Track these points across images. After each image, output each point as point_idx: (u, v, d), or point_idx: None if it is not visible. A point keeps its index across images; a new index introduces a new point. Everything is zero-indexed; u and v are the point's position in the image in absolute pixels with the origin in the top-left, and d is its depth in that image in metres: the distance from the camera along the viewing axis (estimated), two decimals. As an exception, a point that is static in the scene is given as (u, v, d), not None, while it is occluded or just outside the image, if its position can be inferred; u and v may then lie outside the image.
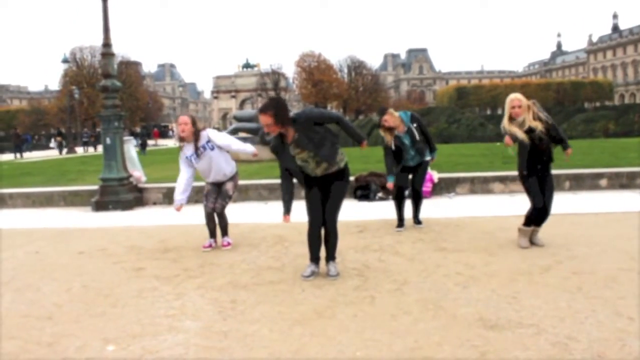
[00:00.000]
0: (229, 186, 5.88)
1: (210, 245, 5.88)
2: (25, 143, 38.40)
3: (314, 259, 4.69)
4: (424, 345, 3.17)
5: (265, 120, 4.23)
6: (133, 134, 40.96)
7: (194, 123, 5.61)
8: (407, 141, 6.31)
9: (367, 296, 4.09)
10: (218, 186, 5.90)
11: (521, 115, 5.12)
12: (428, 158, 6.53)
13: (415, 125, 6.34)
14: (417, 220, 6.71)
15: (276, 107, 4.27)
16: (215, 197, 5.86)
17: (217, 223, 5.94)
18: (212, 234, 5.94)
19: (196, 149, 5.59)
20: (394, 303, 3.91)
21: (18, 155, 33.02)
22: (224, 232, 5.97)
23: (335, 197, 4.55)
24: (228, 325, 3.60)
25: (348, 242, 5.80)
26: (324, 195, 4.56)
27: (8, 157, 32.54)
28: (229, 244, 5.90)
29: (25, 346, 3.37)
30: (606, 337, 3.17)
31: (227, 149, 5.80)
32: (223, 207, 5.88)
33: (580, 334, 3.22)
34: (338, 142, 4.51)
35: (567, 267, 4.65)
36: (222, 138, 5.79)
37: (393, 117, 6.25)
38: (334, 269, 4.64)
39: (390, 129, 6.27)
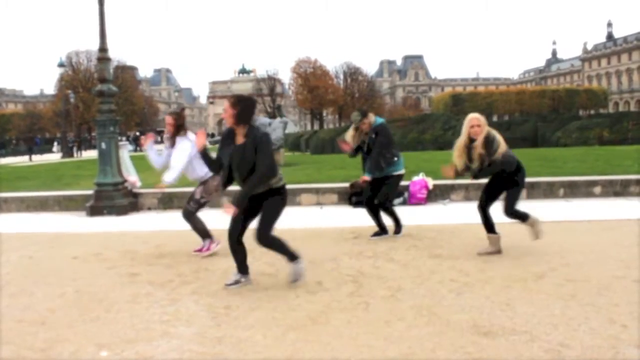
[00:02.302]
0: (197, 190, 5.79)
1: (201, 249, 5.82)
2: (35, 146, 41.77)
3: (238, 269, 4.59)
4: (418, 351, 3.17)
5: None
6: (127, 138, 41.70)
7: (177, 119, 5.79)
8: (365, 147, 6.24)
9: (362, 302, 4.10)
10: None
11: (479, 135, 5.06)
12: (396, 173, 6.29)
13: (373, 135, 6.15)
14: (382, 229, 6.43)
15: (244, 101, 4.32)
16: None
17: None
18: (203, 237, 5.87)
19: (172, 143, 5.74)
20: (388, 309, 3.92)
21: (29, 157, 34.89)
22: (200, 236, 5.83)
23: (267, 212, 4.38)
24: (222, 330, 3.60)
25: (343, 248, 5.80)
26: (252, 209, 4.40)
27: (17, 160, 32.66)
28: (200, 250, 5.79)
29: (19, 351, 3.35)
30: (599, 344, 3.19)
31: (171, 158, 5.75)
32: (185, 210, 5.79)
33: (574, 341, 3.23)
34: (274, 173, 4.31)
35: (561, 274, 4.67)
36: (176, 153, 5.68)
37: (369, 120, 6.17)
38: (292, 271, 4.55)
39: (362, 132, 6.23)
